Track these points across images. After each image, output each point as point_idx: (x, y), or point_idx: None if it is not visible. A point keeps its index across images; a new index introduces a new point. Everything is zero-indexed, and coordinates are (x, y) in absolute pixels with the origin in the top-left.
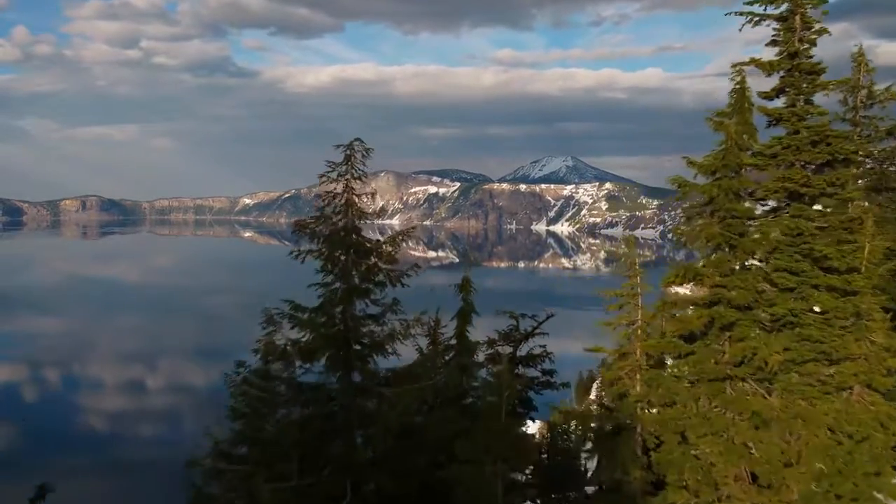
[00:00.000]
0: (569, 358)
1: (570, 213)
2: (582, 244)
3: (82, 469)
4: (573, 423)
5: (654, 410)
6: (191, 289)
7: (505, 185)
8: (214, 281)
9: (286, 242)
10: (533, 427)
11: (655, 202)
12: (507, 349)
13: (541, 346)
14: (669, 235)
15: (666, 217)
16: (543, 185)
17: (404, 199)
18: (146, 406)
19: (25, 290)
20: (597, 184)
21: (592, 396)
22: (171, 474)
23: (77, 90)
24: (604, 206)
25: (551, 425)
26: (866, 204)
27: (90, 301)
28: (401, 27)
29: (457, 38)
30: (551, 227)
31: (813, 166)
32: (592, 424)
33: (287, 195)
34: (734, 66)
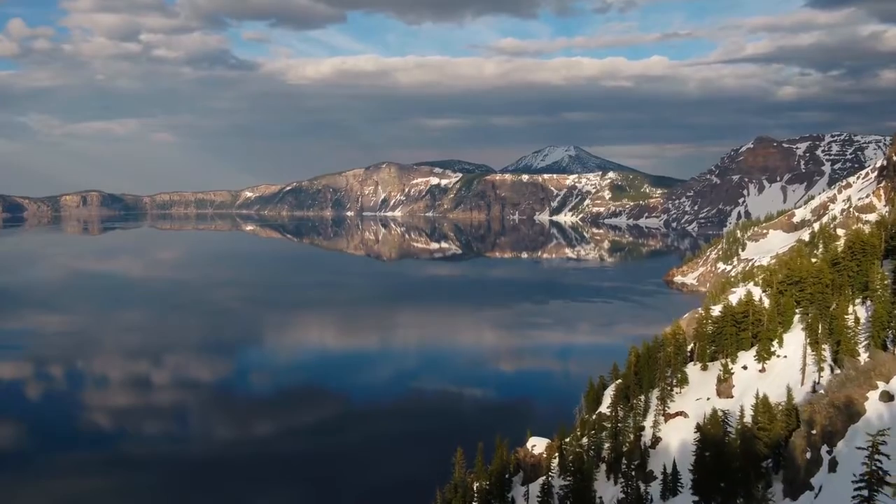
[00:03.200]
0: (574, 350)
1: (573, 203)
2: (586, 234)
3: (88, 464)
4: (584, 440)
5: None
6: (194, 284)
7: (507, 176)
8: (216, 275)
9: (288, 235)
10: (540, 445)
11: (659, 191)
12: None
13: None
14: (674, 224)
15: (670, 206)
16: (546, 175)
17: (406, 190)
18: (153, 402)
19: (32, 287)
20: (600, 173)
21: (605, 409)
22: (174, 469)
23: (77, 85)
24: (607, 195)
25: (561, 445)
26: None
27: (96, 298)
28: (403, 17)
29: (460, 26)
30: (554, 217)
31: None
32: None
33: (289, 188)
34: None
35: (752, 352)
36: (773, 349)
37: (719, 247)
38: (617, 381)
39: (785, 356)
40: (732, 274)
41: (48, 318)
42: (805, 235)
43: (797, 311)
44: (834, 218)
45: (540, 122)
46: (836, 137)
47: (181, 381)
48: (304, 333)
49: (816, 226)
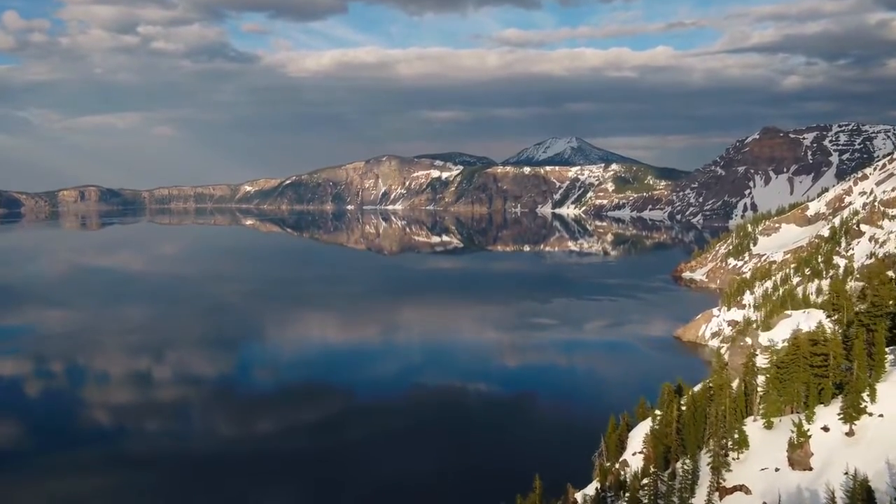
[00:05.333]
0: (583, 354)
1: (575, 195)
2: (589, 227)
3: (88, 463)
4: None
5: None
6: (193, 279)
7: (509, 168)
8: (216, 270)
9: (288, 229)
10: None
11: (663, 183)
12: None
13: None
14: (678, 217)
15: (674, 198)
16: (548, 168)
17: (407, 183)
18: (153, 398)
19: (31, 284)
20: (602, 165)
21: (630, 455)
22: (175, 467)
23: (76, 78)
24: (610, 187)
25: None
26: None
27: (94, 294)
28: (405, 8)
29: (463, 17)
30: (557, 210)
31: None
32: None
33: (288, 181)
34: None
35: (835, 407)
36: (863, 404)
37: (729, 241)
38: (645, 422)
39: (881, 415)
40: (745, 270)
41: (46, 314)
42: (824, 231)
43: (888, 352)
44: (856, 213)
45: (542, 114)
46: (843, 127)
47: (182, 377)
48: (305, 328)
49: (837, 220)
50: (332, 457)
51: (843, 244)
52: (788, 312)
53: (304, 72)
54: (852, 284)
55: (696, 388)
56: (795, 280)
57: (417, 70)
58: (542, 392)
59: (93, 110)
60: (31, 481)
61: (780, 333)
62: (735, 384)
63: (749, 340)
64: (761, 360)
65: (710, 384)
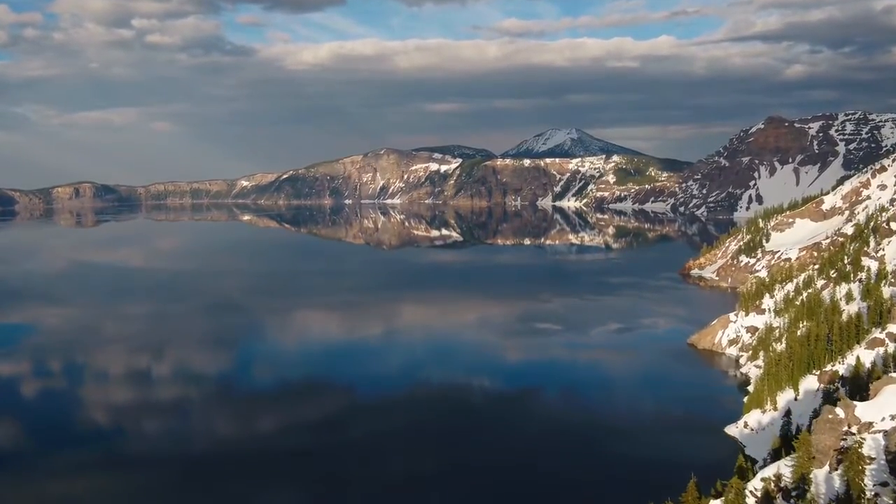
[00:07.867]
0: (586, 349)
1: (576, 188)
2: (590, 219)
3: (86, 463)
4: None
5: None
6: (191, 276)
7: (508, 161)
8: (213, 267)
9: (286, 225)
10: None
11: (665, 174)
12: None
13: None
14: (681, 209)
15: (677, 190)
16: (548, 160)
17: (406, 177)
18: (152, 397)
19: (26, 282)
20: (603, 156)
21: None
22: (176, 467)
23: (71, 74)
24: (612, 179)
25: None
26: None
27: (92, 293)
28: None
29: (463, 7)
30: (557, 203)
31: None
32: None
33: (286, 176)
34: None
35: None
36: None
37: (739, 237)
38: None
39: None
40: (758, 268)
41: (43, 311)
42: (847, 228)
43: None
44: (883, 209)
45: (542, 105)
46: (850, 116)
47: (181, 374)
48: (304, 324)
49: (861, 216)
50: (333, 454)
51: (872, 244)
52: (894, 375)
53: (302, 65)
54: (888, 290)
55: (768, 473)
56: (819, 283)
57: (416, 62)
58: (548, 397)
59: (90, 106)
60: (30, 481)
61: (885, 406)
62: (823, 473)
63: (841, 413)
64: (869, 447)
65: (792, 470)
